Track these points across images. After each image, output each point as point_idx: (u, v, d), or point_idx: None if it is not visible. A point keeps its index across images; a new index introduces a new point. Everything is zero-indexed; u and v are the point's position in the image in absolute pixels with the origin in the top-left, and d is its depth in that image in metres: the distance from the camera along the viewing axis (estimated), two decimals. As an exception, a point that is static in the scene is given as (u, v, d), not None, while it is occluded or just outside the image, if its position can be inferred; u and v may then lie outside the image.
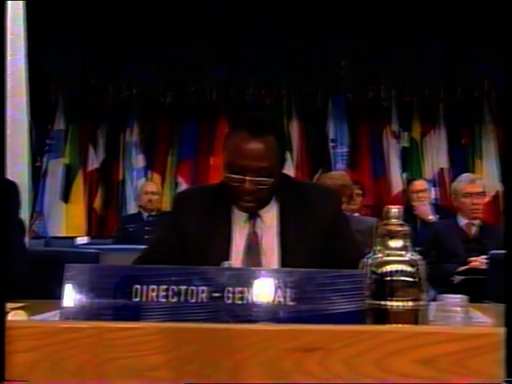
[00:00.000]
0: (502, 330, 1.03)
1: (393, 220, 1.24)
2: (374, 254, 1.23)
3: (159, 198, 5.83)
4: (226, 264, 1.58)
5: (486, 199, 4.36)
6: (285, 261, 1.88)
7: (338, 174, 4.31)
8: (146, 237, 4.84)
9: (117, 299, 1.16)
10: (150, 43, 6.86)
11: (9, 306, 1.36)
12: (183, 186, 6.39)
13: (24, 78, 3.26)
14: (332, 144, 6.67)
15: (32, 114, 3.34)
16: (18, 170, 3.05)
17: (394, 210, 1.24)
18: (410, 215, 5.14)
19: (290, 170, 6.01)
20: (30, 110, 3.30)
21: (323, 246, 1.90)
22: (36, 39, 3.71)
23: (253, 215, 1.92)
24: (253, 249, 1.89)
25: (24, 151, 3.24)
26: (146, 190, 5.74)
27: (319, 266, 1.76)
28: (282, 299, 1.15)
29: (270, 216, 1.93)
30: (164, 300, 1.15)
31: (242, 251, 1.90)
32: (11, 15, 3.14)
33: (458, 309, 1.22)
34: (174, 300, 1.15)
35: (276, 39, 6.65)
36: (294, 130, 6.67)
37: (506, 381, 1.01)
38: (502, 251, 1.16)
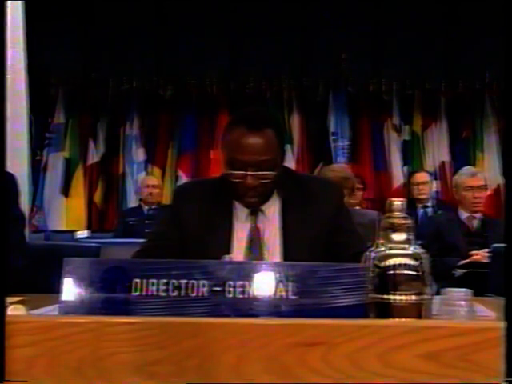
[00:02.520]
0: (501, 324, 1.02)
1: (396, 213, 1.22)
2: (377, 247, 1.22)
3: (159, 192, 5.82)
4: (226, 257, 1.57)
5: (488, 192, 4.35)
6: (287, 254, 1.87)
7: (340, 167, 4.29)
8: (147, 230, 4.83)
9: (116, 293, 1.15)
10: (150, 36, 6.83)
11: (8, 300, 1.35)
12: (183, 179, 6.38)
13: (23, 72, 3.24)
14: (333, 137, 6.66)
15: (32, 107, 3.33)
16: (18, 164, 3.04)
17: (398, 202, 1.23)
18: (411, 208, 5.14)
19: (290, 163, 6.00)
20: (29, 104, 3.29)
21: (325, 240, 1.89)
22: (35, 32, 3.69)
23: (255, 209, 1.91)
24: (255, 243, 1.88)
25: (24, 145, 3.23)
26: (147, 183, 5.74)
27: (322, 260, 1.75)
28: (283, 293, 1.14)
29: (272, 210, 1.92)
30: (164, 294, 1.14)
31: (243, 245, 1.89)
32: (10, 8, 3.12)
33: (462, 303, 1.21)
34: (175, 294, 1.14)
35: (276, 32, 6.63)
36: (295, 123, 6.66)
37: (506, 381, 1.00)
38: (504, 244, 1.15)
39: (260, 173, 1.81)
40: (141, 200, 5.80)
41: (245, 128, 1.83)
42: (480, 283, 2.92)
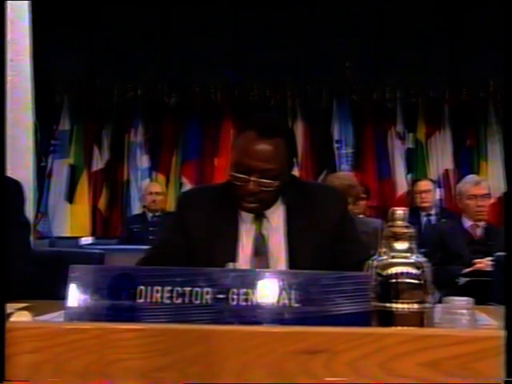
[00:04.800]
0: (503, 333, 1.03)
1: (398, 222, 1.23)
2: (380, 255, 1.22)
3: (163, 199, 5.83)
4: (230, 265, 1.57)
5: (491, 201, 4.34)
6: (292, 262, 1.87)
7: (346, 175, 4.31)
8: (151, 237, 4.84)
9: (121, 300, 1.16)
10: (155, 44, 6.86)
11: (13, 306, 1.36)
12: (187, 186, 6.38)
13: (29, 79, 3.25)
14: (336, 145, 6.67)
15: (37, 114, 3.33)
16: (23, 170, 3.04)
17: (400, 211, 1.24)
18: (414, 216, 5.14)
19: (294, 171, 5.99)
20: (34, 111, 3.30)
21: (330, 247, 1.89)
22: (41, 40, 3.71)
23: (259, 216, 1.91)
24: (260, 250, 1.88)
25: (29, 151, 3.24)
26: (151, 190, 5.75)
27: (327, 267, 1.75)
28: (286, 301, 1.15)
29: (277, 217, 1.92)
30: (168, 301, 1.15)
31: (249, 252, 1.89)
32: (16, 15, 3.14)
33: (464, 311, 1.21)
34: (179, 301, 1.15)
35: (281, 40, 6.65)
36: (299, 131, 6.66)
37: (506, 381, 1.00)
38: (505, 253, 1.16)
39: (262, 180, 1.81)
40: (144, 207, 5.81)
41: (255, 133, 1.82)
42: (483, 292, 2.92)
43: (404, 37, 6.68)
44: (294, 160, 1.98)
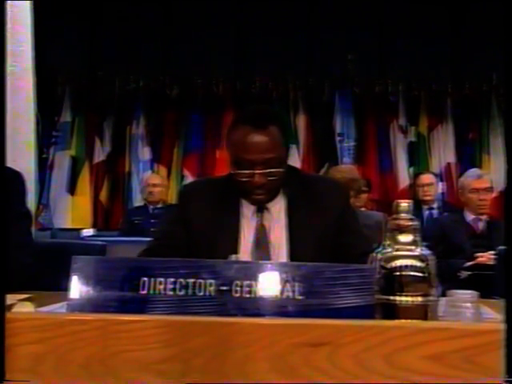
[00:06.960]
0: (503, 326, 1.02)
1: (402, 214, 1.22)
2: (384, 248, 1.22)
3: (162, 190, 5.80)
4: (233, 257, 1.57)
5: (494, 195, 4.33)
6: (293, 254, 1.87)
7: (348, 168, 4.30)
8: (152, 229, 4.84)
9: (124, 292, 1.16)
10: (157, 35, 6.85)
11: (15, 297, 1.36)
12: (189, 178, 6.39)
13: (31, 70, 3.24)
14: (339, 138, 6.66)
15: (38, 105, 3.33)
16: (25, 162, 3.04)
17: (404, 204, 1.23)
18: (416, 210, 5.13)
19: (296, 163, 6.00)
20: (36, 102, 3.29)
21: (331, 240, 1.89)
22: (43, 31, 3.70)
23: (261, 208, 1.92)
24: (261, 242, 1.89)
25: (30, 143, 3.23)
26: (148, 182, 5.74)
27: (328, 259, 1.75)
28: (290, 293, 1.14)
29: (278, 209, 1.93)
30: (171, 293, 1.15)
31: (250, 244, 1.89)
32: (17, 6, 3.13)
33: (469, 304, 1.21)
34: (182, 293, 1.15)
35: (283, 32, 6.63)
36: (301, 123, 6.66)
37: (506, 381, 1.00)
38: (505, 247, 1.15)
39: (267, 170, 1.82)
40: (145, 199, 5.81)
41: (249, 127, 1.83)
42: (485, 285, 2.92)
43: (406, 29, 6.66)
44: (291, 147, 2.00)
